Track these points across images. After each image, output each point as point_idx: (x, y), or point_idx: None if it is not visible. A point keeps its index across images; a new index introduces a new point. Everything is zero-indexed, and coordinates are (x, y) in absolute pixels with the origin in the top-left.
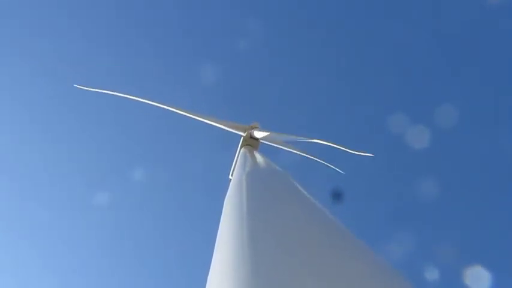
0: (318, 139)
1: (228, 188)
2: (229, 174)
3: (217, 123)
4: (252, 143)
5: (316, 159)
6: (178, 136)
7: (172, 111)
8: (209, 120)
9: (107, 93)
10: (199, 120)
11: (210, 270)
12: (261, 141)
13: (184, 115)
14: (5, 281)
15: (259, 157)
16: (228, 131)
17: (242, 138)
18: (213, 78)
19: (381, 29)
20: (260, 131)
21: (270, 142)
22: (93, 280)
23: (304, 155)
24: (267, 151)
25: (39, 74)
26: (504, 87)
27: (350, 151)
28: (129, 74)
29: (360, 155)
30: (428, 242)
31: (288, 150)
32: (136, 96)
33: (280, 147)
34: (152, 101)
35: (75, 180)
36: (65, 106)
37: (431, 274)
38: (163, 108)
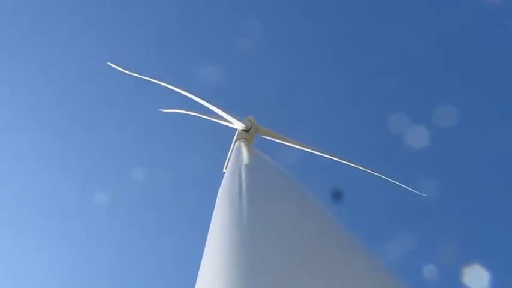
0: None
1: (221, 181)
2: (223, 168)
3: (212, 116)
4: (247, 136)
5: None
6: (177, 135)
7: (180, 92)
8: (202, 112)
9: (137, 77)
10: (197, 107)
11: (202, 260)
12: (260, 135)
13: (185, 94)
14: (4, 281)
15: (253, 151)
16: (224, 125)
17: (237, 131)
18: (212, 78)
19: (380, 28)
20: (258, 126)
21: (269, 137)
22: (93, 280)
23: (308, 149)
24: (264, 147)
25: (38, 74)
26: (504, 87)
27: (404, 186)
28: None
29: (412, 191)
30: (428, 242)
31: (291, 146)
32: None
33: (280, 141)
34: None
35: (74, 179)
36: (65, 105)
37: (431, 273)
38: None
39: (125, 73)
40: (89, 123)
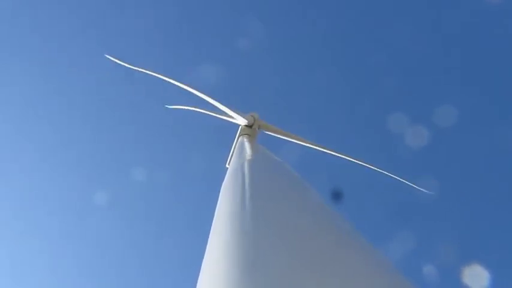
0: (345, 155)
1: (225, 176)
2: (226, 163)
3: (215, 112)
4: (250, 132)
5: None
6: (177, 134)
7: (183, 88)
8: (207, 108)
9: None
10: (198, 108)
11: (205, 256)
12: (263, 131)
13: (188, 90)
14: (4, 281)
15: (256, 146)
16: (228, 121)
17: (240, 127)
18: (212, 78)
19: (380, 28)
20: (261, 122)
21: (271, 132)
22: (93, 280)
23: (313, 146)
24: (266, 143)
25: (38, 73)
26: (504, 87)
27: (410, 184)
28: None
29: (419, 190)
30: (428, 242)
31: (291, 140)
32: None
33: (282, 137)
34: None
35: (74, 179)
36: (65, 105)
37: (431, 273)
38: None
39: (124, 66)
40: (89, 123)
